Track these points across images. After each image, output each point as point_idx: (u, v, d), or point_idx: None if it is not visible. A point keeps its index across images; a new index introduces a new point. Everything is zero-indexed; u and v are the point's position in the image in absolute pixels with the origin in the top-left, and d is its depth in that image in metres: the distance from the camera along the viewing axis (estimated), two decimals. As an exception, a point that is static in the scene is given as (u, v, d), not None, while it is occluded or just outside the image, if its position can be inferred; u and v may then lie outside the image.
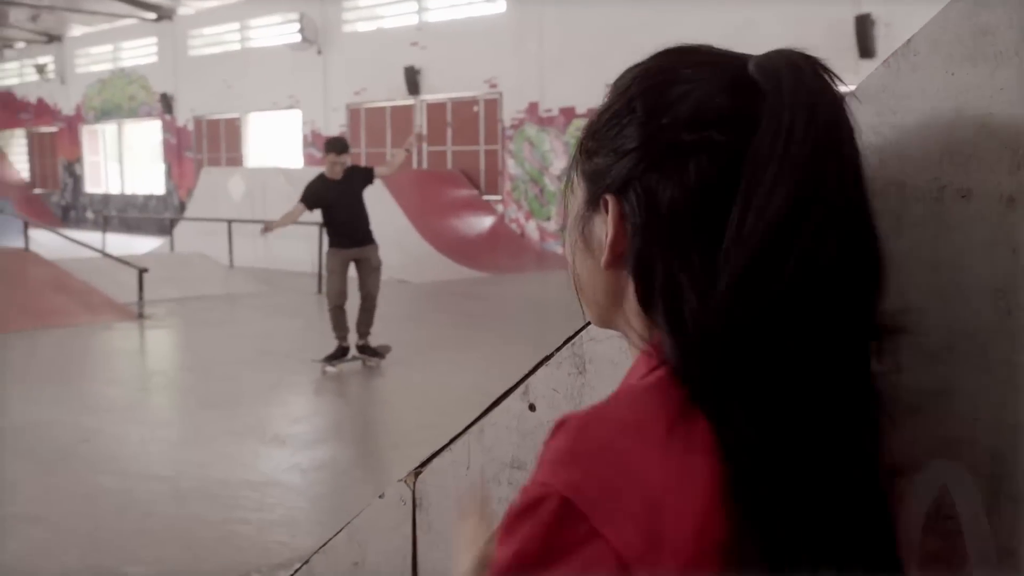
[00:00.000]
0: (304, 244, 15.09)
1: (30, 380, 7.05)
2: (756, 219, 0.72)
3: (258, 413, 6.30)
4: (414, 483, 1.20)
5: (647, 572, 0.71)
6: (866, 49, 13.32)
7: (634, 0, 15.57)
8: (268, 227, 7.55)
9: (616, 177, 0.81)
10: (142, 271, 10.14)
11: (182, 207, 24.66)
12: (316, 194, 7.33)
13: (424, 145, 19.24)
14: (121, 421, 6.06)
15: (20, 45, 29.46)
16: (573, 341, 1.07)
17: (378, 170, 7.68)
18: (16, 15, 24.83)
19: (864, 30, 13.25)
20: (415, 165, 19.57)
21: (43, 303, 9.99)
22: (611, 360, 1.03)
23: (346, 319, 7.42)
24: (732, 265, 0.73)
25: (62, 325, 9.52)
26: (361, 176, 7.58)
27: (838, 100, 0.77)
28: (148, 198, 26.22)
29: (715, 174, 0.75)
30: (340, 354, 7.49)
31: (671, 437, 0.74)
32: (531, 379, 1.12)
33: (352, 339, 7.50)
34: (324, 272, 8.18)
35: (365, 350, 7.58)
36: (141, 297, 10.24)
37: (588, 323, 1.06)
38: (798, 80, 0.76)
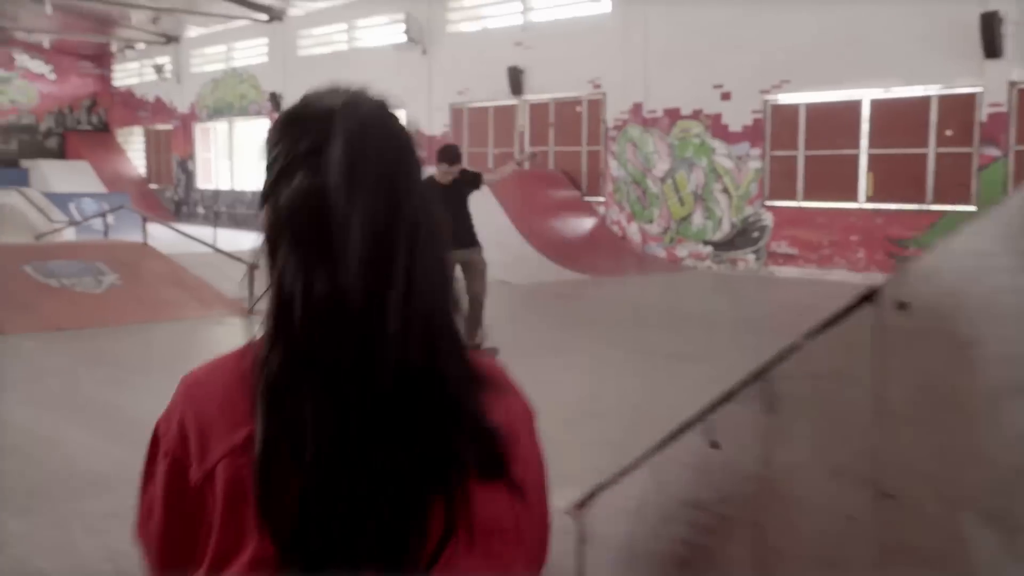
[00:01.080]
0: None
1: (149, 371, 7.25)
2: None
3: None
4: (580, 516, 1.14)
5: (197, 467, 1.03)
6: (992, 48, 12.75)
7: (745, -1, 15.26)
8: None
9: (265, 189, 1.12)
10: (252, 267, 10.36)
11: (288, 204, 25.30)
12: None
13: (527, 147, 19.25)
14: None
15: (140, 46, 30.63)
16: (763, 376, 0.99)
17: (486, 177, 7.82)
18: (138, 17, 25.80)
19: (990, 28, 12.67)
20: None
21: (159, 296, 10.33)
22: (808, 400, 0.95)
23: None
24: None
25: (175, 318, 9.82)
26: (469, 181, 7.70)
27: (385, 129, 1.11)
28: (256, 194, 26.86)
29: (307, 184, 1.05)
30: None
31: (241, 381, 1.05)
32: (712, 413, 1.04)
33: None
34: None
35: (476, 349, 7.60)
36: (251, 292, 10.47)
37: (782, 356, 0.98)
38: (347, 114, 1.08)
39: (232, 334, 9.68)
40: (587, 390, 7.09)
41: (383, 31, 22.20)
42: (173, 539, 1.07)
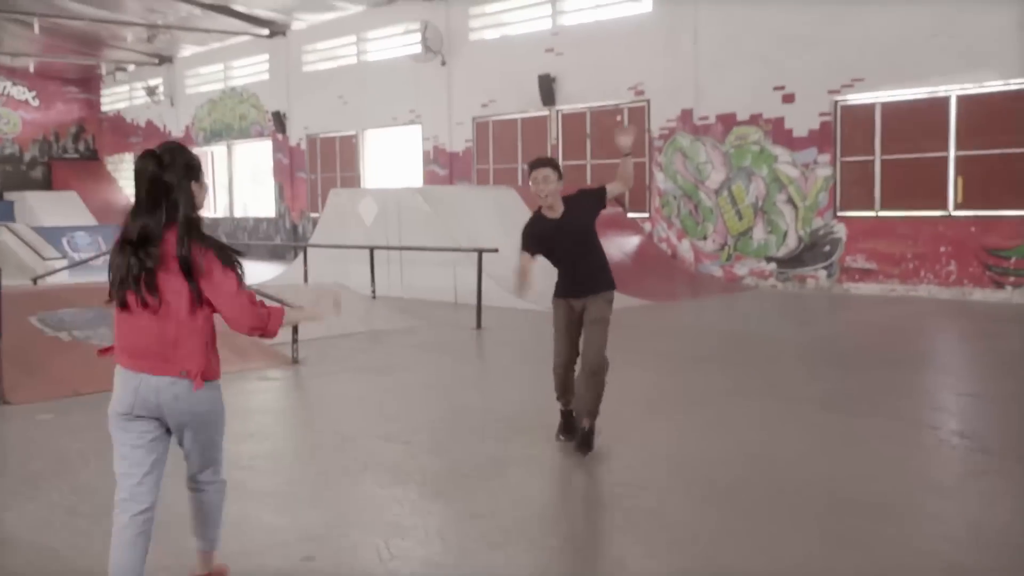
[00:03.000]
0: (443, 271, 13.76)
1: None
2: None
3: (495, 500, 4.85)
4: None
5: None
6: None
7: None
8: (520, 288, 5.74)
9: None
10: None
11: (294, 231, 23.75)
12: (538, 237, 5.59)
13: (560, 158, 17.78)
14: (357, 520, 4.68)
15: (131, 68, 29.07)
16: None
17: (610, 188, 5.93)
18: (132, 36, 24.26)
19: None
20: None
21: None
22: None
23: (572, 379, 5.83)
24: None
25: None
26: (590, 202, 5.75)
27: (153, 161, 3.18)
28: (259, 221, 25.36)
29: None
30: (567, 425, 6.00)
31: None
32: None
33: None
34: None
35: (583, 438, 5.69)
36: (295, 340, 8.95)
37: None
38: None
39: (281, 392, 8.14)
40: (755, 465, 5.60)
41: (397, 41, 20.74)
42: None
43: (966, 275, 13.02)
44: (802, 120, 14.47)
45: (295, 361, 8.91)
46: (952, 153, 13.16)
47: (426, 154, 20.46)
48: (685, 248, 16.15)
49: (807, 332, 11.11)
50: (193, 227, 3.18)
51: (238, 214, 26.43)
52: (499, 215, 15.15)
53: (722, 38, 15.26)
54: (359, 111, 21.73)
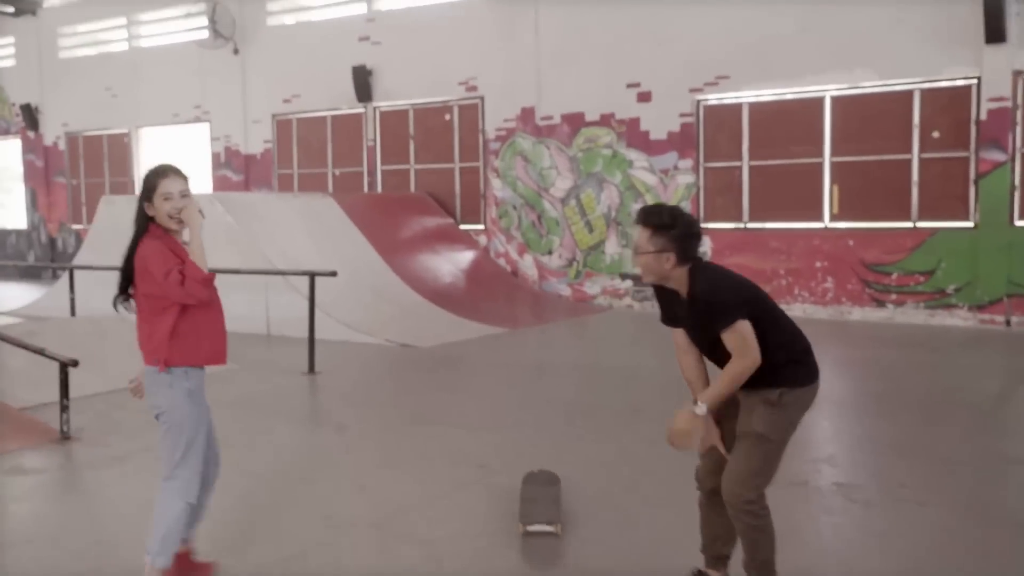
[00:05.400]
0: (251, 297, 11.16)
1: None
2: None
3: None
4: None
5: None
6: (995, 31, 10.60)
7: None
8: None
9: None
10: (66, 365, 6.07)
11: (52, 245, 20.03)
12: (669, 308, 3.55)
13: (377, 163, 15.54)
14: None
15: None
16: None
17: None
18: None
19: (995, 6, 10.50)
20: (365, 187, 15.87)
21: None
22: None
23: (716, 517, 3.57)
24: None
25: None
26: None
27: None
28: (5, 234, 21.27)
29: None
30: None
31: None
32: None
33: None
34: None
35: None
36: (65, 404, 6.20)
37: None
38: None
39: (36, 497, 5.40)
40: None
41: (179, 25, 17.68)
42: None
43: (844, 292, 11.92)
44: (660, 121, 12.98)
45: (65, 436, 6.18)
46: (827, 159, 12.05)
47: (216, 156, 17.53)
48: (527, 264, 14.30)
49: (665, 362, 9.45)
50: None
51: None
52: (312, 227, 12.74)
53: (568, 28, 13.57)
54: (132, 106, 18.43)
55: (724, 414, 3.40)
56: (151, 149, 18.85)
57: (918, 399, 7.46)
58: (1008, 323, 11.02)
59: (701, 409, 3.30)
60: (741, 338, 3.21)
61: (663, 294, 3.48)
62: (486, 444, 6.07)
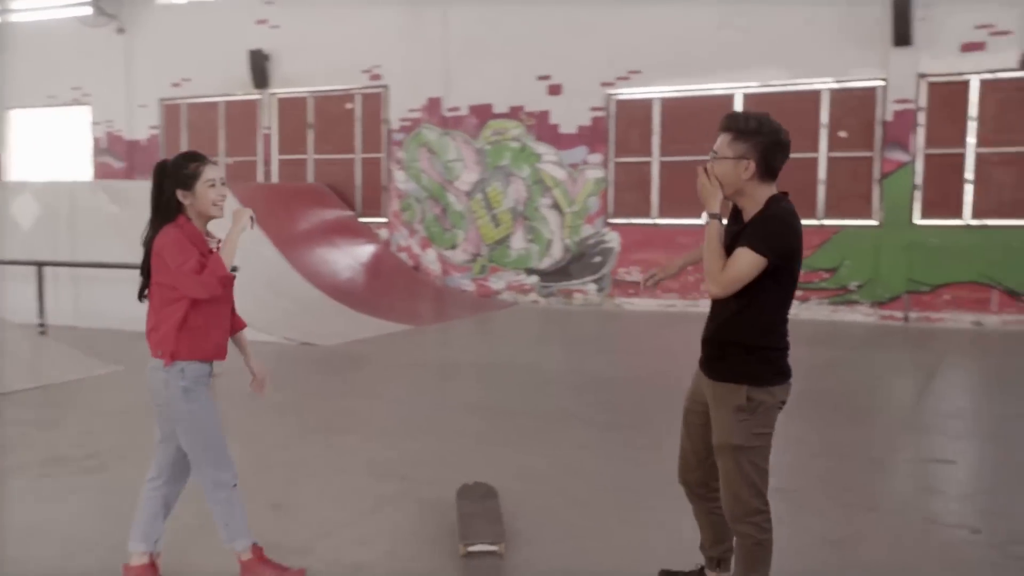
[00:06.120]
0: (116, 289, 10.38)
1: None
2: None
3: None
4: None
5: None
6: (901, 35, 10.75)
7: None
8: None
9: None
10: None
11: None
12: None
13: (274, 154, 14.86)
14: None
15: None
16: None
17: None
18: None
19: (901, 10, 10.64)
20: (260, 177, 15.17)
21: None
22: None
23: (707, 510, 3.40)
24: None
25: None
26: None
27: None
28: None
29: None
30: None
31: None
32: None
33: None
34: None
35: None
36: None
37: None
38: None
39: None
40: None
41: (56, 0, 16.55)
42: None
43: (751, 290, 11.94)
44: (571, 115, 12.77)
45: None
46: (736, 156, 12.04)
47: (97, 141, 16.50)
48: (431, 259, 13.90)
49: (580, 361, 9.23)
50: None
51: None
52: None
53: (476, 18, 13.21)
54: (1, 86, 17.19)
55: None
56: (23, 134, 17.62)
57: (834, 400, 7.40)
58: (906, 319, 11.22)
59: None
60: (743, 268, 2.94)
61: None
62: (406, 453, 5.68)
